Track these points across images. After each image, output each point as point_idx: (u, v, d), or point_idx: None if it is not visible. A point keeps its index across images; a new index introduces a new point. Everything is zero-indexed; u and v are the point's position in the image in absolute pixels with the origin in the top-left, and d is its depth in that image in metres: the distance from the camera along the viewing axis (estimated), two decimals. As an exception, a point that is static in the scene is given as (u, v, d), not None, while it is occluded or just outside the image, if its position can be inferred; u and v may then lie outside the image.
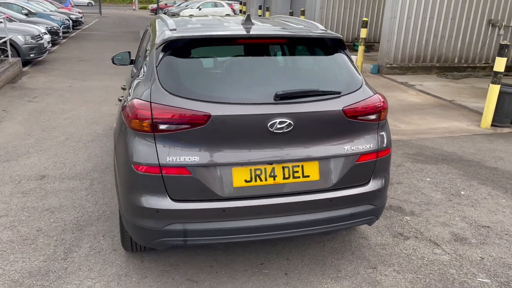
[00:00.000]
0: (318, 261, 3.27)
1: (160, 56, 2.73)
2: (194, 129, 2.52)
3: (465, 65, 11.94)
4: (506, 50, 6.81)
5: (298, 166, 2.70)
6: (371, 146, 2.83)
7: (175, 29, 2.92)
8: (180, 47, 2.75)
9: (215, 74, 2.76)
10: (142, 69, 3.14)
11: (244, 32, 2.86)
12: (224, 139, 2.58)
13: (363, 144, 2.81)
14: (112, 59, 4.78)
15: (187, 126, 2.52)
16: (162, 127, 2.52)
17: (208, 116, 2.51)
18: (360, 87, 2.85)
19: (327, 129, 2.73)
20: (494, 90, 7.00)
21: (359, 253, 3.38)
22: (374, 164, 2.88)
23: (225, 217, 2.64)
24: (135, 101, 2.64)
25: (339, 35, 2.99)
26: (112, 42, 17.74)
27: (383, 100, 2.88)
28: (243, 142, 2.60)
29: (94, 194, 4.37)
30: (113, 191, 4.44)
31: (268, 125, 2.56)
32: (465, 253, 3.43)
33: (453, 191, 4.62)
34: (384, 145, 2.91)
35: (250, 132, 2.59)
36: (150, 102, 2.56)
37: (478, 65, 12.05)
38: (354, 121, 2.76)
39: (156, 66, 2.71)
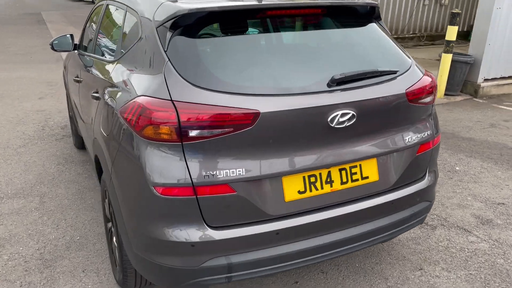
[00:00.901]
0: (357, 269, 2.81)
1: (168, 36, 2.02)
2: (238, 133, 1.88)
3: (395, 36, 12.11)
4: (458, 19, 6.79)
5: (356, 166, 2.18)
6: (429, 133, 2.40)
7: (176, 0, 2.20)
8: (194, 24, 2.05)
9: (248, 57, 2.10)
10: (126, 56, 2.39)
11: (275, 1, 2.23)
12: (273, 142, 1.96)
13: (422, 132, 2.36)
14: (51, 44, 3.84)
15: (228, 129, 1.86)
16: (193, 133, 1.85)
17: (256, 114, 1.88)
18: (410, 66, 2.38)
19: (389, 117, 2.23)
20: (447, 60, 6.98)
21: (396, 253, 2.98)
22: (431, 154, 2.45)
23: (278, 241, 2.06)
24: (145, 99, 1.92)
25: (376, 2, 2.47)
26: (12, 25, 15.57)
27: (432, 79, 2.45)
28: (295, 143, 2.01)
29: (50, 214, 3.49)
30: (74, 208, 3.58)
31: (329, 119, 2.00)
32: (500, 237, 3.18)
33: (448, 167, 4.41)
34: (438, 131, 2.50)
35: (306, 130, 2.01)
36: (171, 100, 1.86)
37: (406, 35, 12.30)
38: (414, 106, 2.29)
39: (165, 51, 2.00)
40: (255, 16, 2.18)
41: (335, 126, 2.01)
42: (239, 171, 1.91)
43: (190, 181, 1.87)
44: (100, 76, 2.70)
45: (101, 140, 2.37)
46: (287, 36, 2.25)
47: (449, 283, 2.68)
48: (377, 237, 2.31)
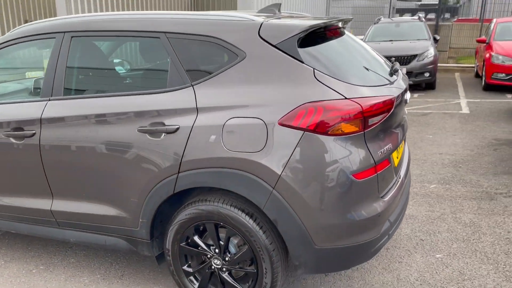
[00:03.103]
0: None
1: (294, 49, 2.27)
2: (388, 116, 2.36)
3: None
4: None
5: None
6: None
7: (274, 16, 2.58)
8: (310, 37, 2.39)
9: (348, 57, 2.68)
10: (218, 79, 2.36)
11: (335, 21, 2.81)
12: (392, 120, 2.52)
13: None
14: None
15: (386, 113, 2.34)
16: (371, 121, 2.26)
17: (394, 98, 2.39)
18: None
19: None
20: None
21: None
22: None
23: (400, 195, 2.65)
24: (322, 104, 2.19)
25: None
26: None
27: None
28: (396, 120, 2.62)
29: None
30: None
31: (406, 97, 2.70)
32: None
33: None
34: None
35: (400, 109, 2.64)
36: (347, 98, 2.20)
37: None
38: None
39: (302, 61, 2.26)
40: (330, 29, 2.68)
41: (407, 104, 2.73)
42: (389, 146, 2.42)
43: (374, 162, 2.26)
44: (161, 106, 2.45)
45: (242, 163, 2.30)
46: (349, 44, 2.83)
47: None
48: None
